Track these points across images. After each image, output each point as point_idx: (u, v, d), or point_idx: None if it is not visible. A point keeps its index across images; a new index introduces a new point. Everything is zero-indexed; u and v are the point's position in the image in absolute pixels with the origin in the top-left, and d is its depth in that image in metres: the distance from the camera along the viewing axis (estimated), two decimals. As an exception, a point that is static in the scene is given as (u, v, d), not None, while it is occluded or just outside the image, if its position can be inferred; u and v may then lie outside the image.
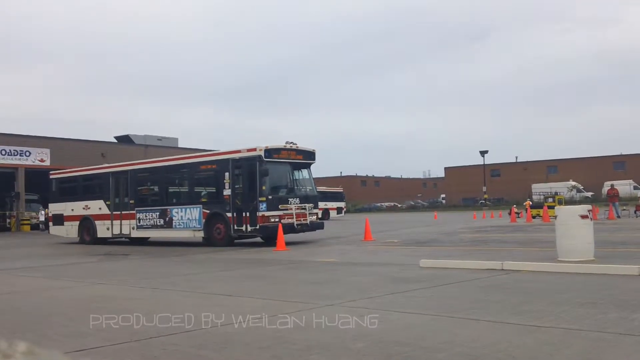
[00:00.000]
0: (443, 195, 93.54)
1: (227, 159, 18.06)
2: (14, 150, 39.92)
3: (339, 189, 54.63)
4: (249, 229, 17.22)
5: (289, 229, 17.11)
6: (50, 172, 25.93)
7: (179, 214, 19.16)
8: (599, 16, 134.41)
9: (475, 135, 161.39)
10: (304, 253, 14.80)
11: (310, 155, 18.88)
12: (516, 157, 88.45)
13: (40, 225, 37.44)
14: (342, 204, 51.97)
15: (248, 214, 17.25)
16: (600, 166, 73.97)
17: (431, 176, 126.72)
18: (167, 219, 19.47)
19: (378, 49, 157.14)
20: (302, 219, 17.73)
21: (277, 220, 16.91)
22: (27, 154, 40.55)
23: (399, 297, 7.21)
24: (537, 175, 76.66)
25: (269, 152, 17.38)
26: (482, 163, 64.86)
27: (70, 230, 23.10)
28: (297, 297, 7.44)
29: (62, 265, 14.05)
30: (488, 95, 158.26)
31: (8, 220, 40.28)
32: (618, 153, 78.61)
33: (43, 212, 39.65)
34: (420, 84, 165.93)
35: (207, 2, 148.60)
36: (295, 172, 18.57)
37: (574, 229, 9.71)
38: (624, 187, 53.73)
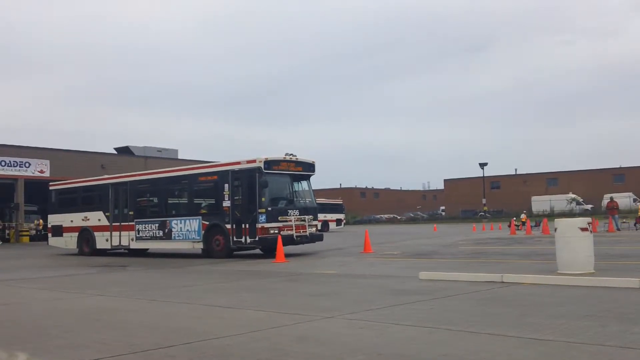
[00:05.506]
0: (442, 207, 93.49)
1: (227, 171, 18.08)
2: (13, 161, 39.97)
3: (339, 201, 54.67)
4: (248, 240, 17.20)
5: (289, 240, 17.08)
6: (50, 183, 25.95)
7: (178, 225, 19.15)
8: (600, 28, 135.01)
9: (475, 147, 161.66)
10: (303, 265, 14.78)
11: (309, 167, 18.89)
12: (515, 170, 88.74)
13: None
14: (341, 216, 51.96)
15: (247, 226, 17.24)
16: (599, 179, 74.05)
17: (431, 188, 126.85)
18: (166, 230, 19.46)
19: (378, 60, 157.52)
20: (301, 230, 17.71)
21: (276, 232, 16.90)
22: (27, 165, 40.60)
23: (398, 309, 7.19)
24: (537, 188, 76.79)
25: (269, 163, 17.39)
26: (482, 175, 64.92)
27: (69, 241, 23.08)
28: (296, 309, 7.42)
29: (60, 276, 14.02)
30: (488, 107, 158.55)
31: (7, 232, 40.25)
32: (617, 166, 78.74)
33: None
34: (420, 95, 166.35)
35: (207, 13, 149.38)
36: (295, 184, 18.57)
37: (574, 241, 9.71)
38: (624, 199, 53.80)
